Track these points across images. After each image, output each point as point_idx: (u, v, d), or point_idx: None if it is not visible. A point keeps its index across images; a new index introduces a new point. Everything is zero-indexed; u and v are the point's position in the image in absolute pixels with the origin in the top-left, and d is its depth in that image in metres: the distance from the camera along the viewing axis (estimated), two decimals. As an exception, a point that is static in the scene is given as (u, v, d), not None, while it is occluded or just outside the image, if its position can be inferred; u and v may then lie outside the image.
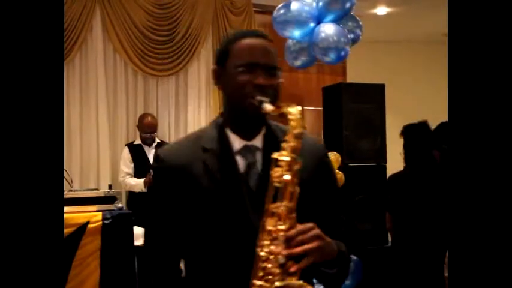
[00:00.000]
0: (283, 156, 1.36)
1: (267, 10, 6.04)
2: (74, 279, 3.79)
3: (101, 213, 3.96)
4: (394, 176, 4.17)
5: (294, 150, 1.36)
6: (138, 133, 5.53)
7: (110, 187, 4.68)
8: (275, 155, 1.37)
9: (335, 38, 4.23)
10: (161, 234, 1.55)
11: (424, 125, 4.00)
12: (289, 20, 4.36)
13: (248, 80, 1.46)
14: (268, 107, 1.42)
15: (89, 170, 5.61)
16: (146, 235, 1.61)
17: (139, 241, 4.27)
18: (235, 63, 1.49)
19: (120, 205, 4.23)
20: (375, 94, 5.54)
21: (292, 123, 1.38)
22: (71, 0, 5.43)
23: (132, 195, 5.38)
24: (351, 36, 4.43)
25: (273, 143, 1.49)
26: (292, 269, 1.31)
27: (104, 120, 5.66)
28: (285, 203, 1.34)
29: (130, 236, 4.06)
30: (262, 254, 1.34)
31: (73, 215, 3.87)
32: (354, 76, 6.75)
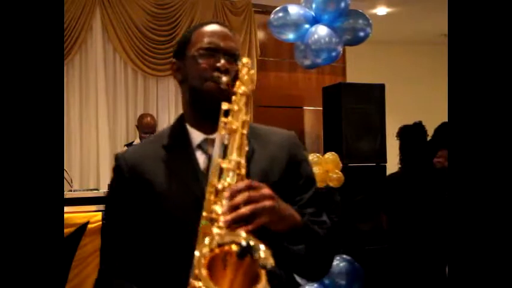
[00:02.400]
0: (231, 106, 1.30)
1: (267, 10, 6.04)
2: (74, 279, 3.80)
3: (100, 213, 3.96)
4: (390, 176, 4.19)
5: (245, 95, 1.32)
6: (137, 133, 5.53)
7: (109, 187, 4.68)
8: (224, 104, 1.30)
9: (327, 39, 4.25)
10: (117, 235, 1.50)
11: (419, 125, 4.01)
12: (286, 23, 4.39)
13: (209, 63, 1.43)
14: (225, 79, 1.38)
15: (88, 170, 5.61)
16: (103, 236, 1.58)
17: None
18: (195, 49, 1.46)
19: (120, 205, 4.23)
20: (374, 94, 5.55)
21: (242, 78, 1.34)
22: (70, 0, 5.43)
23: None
24: (361, 34, 4.45)
25: None
26: (228, 218, 1.15)
27: (104, 120, 5.66)
28: (233, 157, 1.24)
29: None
30: (205, 215, 1.22)
31: (73, 215, 3.87)
32: (353, 76, 6.76)
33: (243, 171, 1.25)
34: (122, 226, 1.49)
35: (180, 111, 4.64)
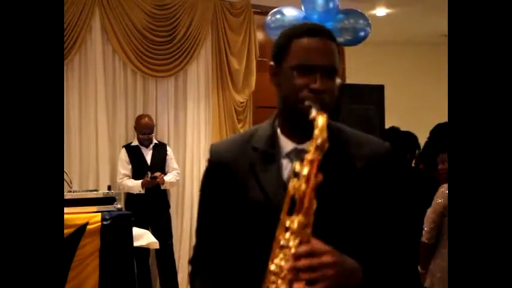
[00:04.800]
0: (303, 168, 1.27)
1: (266, 11, 6.04)
2: (73, 280, 3.80)
3: (100, 214, 3.97)
4: None
5: (311, 162, 1.27)
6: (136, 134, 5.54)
7: (109, 188, 4.68)
8: (295, 166, 1.28)
9: None
10: (209, 229, 1.53)
11: (395, 130, 4.33)
12: (282, 25, 4.41)
13: (304, 83, 1.38)
14: (313, 113, 1.33)
15: (88, 170, 5.60)
16: (197, 230, 1.59)
17: (138, 242, 4.28)
18: (291, 64, 1.41)
19: (119, 206, 4.23)
20: (374, 95, 5.55)
21: (316, 132, 1.30)
22: (70, 0, 5.43)
23: (130, 197, 5.38)
24: (362, 34, 4.46)
25: (330, 147, 1.40)
26: None
27: (103, 120, 5.65)
28: (299, 217, 1.25)
29: (130, 236, 4.06)
30: (272, 268, 1.28)
31: (72, 215, 3.87)
32: (353, 77, 6.76)
33: (308, 231, 1.25)
34: (212, 221, 1.52)
35: (179, 111, 4.65)
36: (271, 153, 1.46)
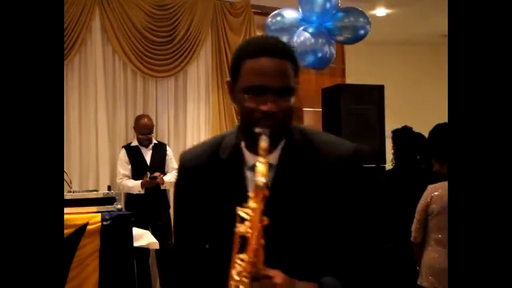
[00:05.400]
0: (246, 211, 1.30)
1: (266, 12, 6.04)
2: (73, 280, 3.79)
3: (100, 214, 3.96)
4: (382, 174, 4.34)
5: (254, 210, 1.29)
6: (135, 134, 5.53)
7: (109, 188, 4.68)
8: (239, 212, 1.31)
9: (312, 40, 4.27)
10: (184, 234, 1.59)
11: (407, 129, 4.33)
12: (282, 27, 4.41)
13: (255, 106, 1.37)
14: (263, 143, 1.35)
15: (88, 171, 5.60)
16: (174, 235, 1.65)
17: (138, 242, 4.27)
18: (242, 86, 1.40)
19: (119, 206, 4.23)
20: (374, 95, 5.56)
21: (256, 179, 1.31)
22: (70, 1, 5.43)
23: (129, 197, 5.38)
24: (362, 32, 4.47)
25: (290, 158, 1.44)
26: None
27: (103, 121, 5.65)
28: (248, 257, 1.28)
29: (130, 237, 4.06)
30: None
31: (72, 216, 3.87)
32: (353, 77, 6.76)
33: (257, 268, 1.29)
34: (185, 226, 1.58)
35: (179, 112, 4.63)
36: (235, 166, 1.48)
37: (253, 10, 6.34)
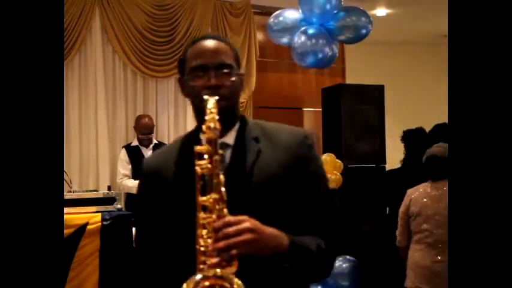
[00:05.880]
0: (202, 148, 1.36)
1: (267, 11, 6.04)
2: (73, 280, 3.79)
3: (100, 214, 3.96)
4: (388, 171, 4.37)
5: (209, 141, 1.35)
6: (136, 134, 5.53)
7: (109, 188, 4.67)
8: (196, 148, 1.37)
9: (313, 41, 4.27)
10: (146, 236, 1.63)
11: (420, 130, 4.45)
12: (284, 27, 4.41)
13: (201, 84, 1.50)
14: (210, 103, 1.40)
15: (88, 171, 5.60)
16: (135, 237, 1.70)
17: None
18: (188, 69, 1.54)
19: (119, 206, 4.23)
20: (374, 95, 5.55)
21: (207, 112, 1.38)
22: (70, 1, 5.43)
23: (129, 197, 5.38)
24: (363, 31, 4.47)
25: (246, 138, 1.54)
26: (213, 261, 1.29)
27: (103, 121, 5.65)
28: (212, 194, 1.33)
29: (130, 237, 4.05)
30: (198, 247, 1.34)
31: (72, 216, 3.87)
32: (353, 77, 6.76)
33: (222, 206, 1.34)
34: (146, 224, 1.63)
35: (179, 112, 4.67)
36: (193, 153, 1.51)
37: (253, 10, 6.33)
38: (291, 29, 4.44)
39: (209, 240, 1.32)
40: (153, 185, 1.60)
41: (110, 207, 4.12)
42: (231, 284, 1.27)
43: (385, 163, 5.47)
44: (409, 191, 3.62)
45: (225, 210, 1.34)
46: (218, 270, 1.28)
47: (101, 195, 4.24)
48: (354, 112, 5.41)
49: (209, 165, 1.34)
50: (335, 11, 4.47)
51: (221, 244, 1.29)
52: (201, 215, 1.34)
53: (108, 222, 3.92)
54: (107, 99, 5.69)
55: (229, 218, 1.32)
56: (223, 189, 1.34)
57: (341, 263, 4.55)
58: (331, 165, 4.74)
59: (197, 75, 1.51)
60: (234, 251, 1.29)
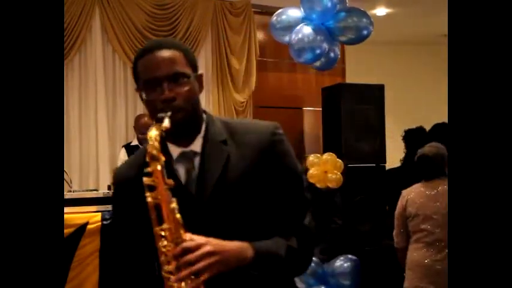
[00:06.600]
0: (149, 181, 1.36)
1: (266, 11, 6.04)
2: (73, 280, 3.79)
3: (100, 213, 3.96)
4: (389, 170, 4.38)
5: (155, 173, 1.36)
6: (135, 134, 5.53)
7: (109, 188, 4.67)
8: (144, 180, 1.36)
9: (310, 37, 4.26)
10: (120, 250, 1.64)
11: (421, 130, 4.47)
12: (287, 26, 4.41)
13: (155, 98, 1.45)
14: (164, 124, 1.39)
15: (88, 170, 5.61)
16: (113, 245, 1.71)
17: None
18: (142, 83, 1.49)
19: (119, 206, 4.23)
20: (374, 95, 5.55)
21: (149, 144, 1.37)
22: (70, 0, 5.43)
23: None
24: (365, 32, 4.47)
25: (213, 143, 1.50)
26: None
27: (103, 120, 5.65)
28: (164, 225, 1.34)
29: (130, 236, 4.06)
30: (164, 274, 1.36)
31: (72, 215, 3.86)
32: (353, 77, 6.76)
33: (178, 234, 1.34)
34: (121, 234, 1.63)
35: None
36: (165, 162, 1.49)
37: (253, 9, 6.34)
38: (293, 27, 4.44)
39: (170, 267, 1.33)
40: (123, 197, 1.59)
41: (110, 207, 4.12)
42: None
43: (385, 163, 5.47)
44: (404, 192, 3.63)
45: (184, 236, 1.34)
46: None
47: (101, 195, 4.24)
48: (354, 112, 5.41)
49: (159, 197, 1.35)
50: (336, 10, 4.47)
51: (184, 273, 1.30)
52: (160, 243, 1.35)
53: (108, 221, 3.92)
54: (107, 99, 5.69)
55: (187, 245, 1.33)
56: (178, 215, 1.34)
57: (342, 262, 4.55)
58: (332, 165, 4.74)
59: (150, 89, 1.46)
60: (201, 277, 1.30)
